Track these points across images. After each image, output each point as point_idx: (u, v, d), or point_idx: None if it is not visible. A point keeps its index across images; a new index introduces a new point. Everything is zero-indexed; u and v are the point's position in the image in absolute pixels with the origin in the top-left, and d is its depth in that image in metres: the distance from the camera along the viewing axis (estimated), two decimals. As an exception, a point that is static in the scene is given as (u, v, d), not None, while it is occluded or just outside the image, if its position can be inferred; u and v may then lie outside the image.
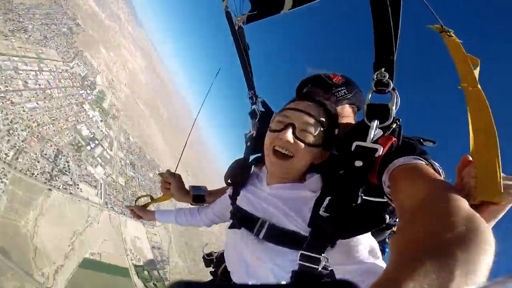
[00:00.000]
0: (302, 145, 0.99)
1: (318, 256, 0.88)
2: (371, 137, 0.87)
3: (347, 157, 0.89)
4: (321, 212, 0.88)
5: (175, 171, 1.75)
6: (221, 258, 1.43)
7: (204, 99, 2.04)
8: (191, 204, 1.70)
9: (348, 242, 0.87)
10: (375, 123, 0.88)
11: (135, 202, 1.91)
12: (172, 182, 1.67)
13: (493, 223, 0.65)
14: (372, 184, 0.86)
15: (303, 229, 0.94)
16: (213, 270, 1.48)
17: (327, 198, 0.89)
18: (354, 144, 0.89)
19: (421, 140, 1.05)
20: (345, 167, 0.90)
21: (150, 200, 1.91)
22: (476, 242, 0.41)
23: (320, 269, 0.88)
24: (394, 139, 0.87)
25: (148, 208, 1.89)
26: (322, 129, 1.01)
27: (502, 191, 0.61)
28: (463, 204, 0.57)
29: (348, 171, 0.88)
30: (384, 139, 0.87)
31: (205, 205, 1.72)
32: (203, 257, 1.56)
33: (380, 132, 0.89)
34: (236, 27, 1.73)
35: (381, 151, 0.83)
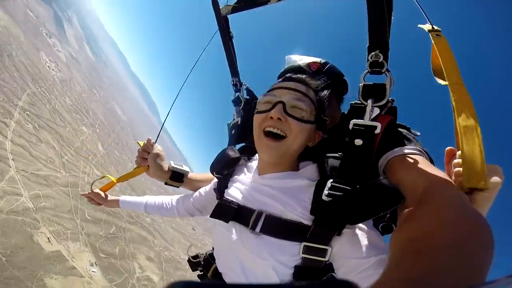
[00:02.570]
0: (295, 122, 0.91)
1: (323, 247, 0.80)
2: (369, 115, 0.87)
3: (346, 136, 0.87)
4: (323, 197, 0.80)
5: (155, 142, 1.54)
6: (209, 258, 1.24)
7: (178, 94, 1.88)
8: (166, 183, 1.49)
9: (356, 231, 0.81)
10: (371, 101, 0.89)
11: (91, 187, 1.63)
12: (151, 152, 1.46)
13: (485, 210, 0.68)
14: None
15: (305, 218, 0.85)
16: (201, 273, 1.28)
17: (329, 181, 0.82)
18: (352, 122, 0.88)
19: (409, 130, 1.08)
20: (345, 147, 0.86)
21: (112, 181, 1.58)
22: (476, 241, 0.41)
23: (326, 261, 0.81)
24: (391, 117, 0.89)
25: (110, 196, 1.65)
26: (312, 104, 0.96)
27: (487, 177, 0.64)
28: (462, 199, 0.57)
29: (349, 151, 0.84)
30: (382, 117, 0.88)
31: (180, 187, 1.54)
32: (188, 260, 1.34)
33: (377, 111, 0.89)
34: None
35: (379, 128, 0.84)
